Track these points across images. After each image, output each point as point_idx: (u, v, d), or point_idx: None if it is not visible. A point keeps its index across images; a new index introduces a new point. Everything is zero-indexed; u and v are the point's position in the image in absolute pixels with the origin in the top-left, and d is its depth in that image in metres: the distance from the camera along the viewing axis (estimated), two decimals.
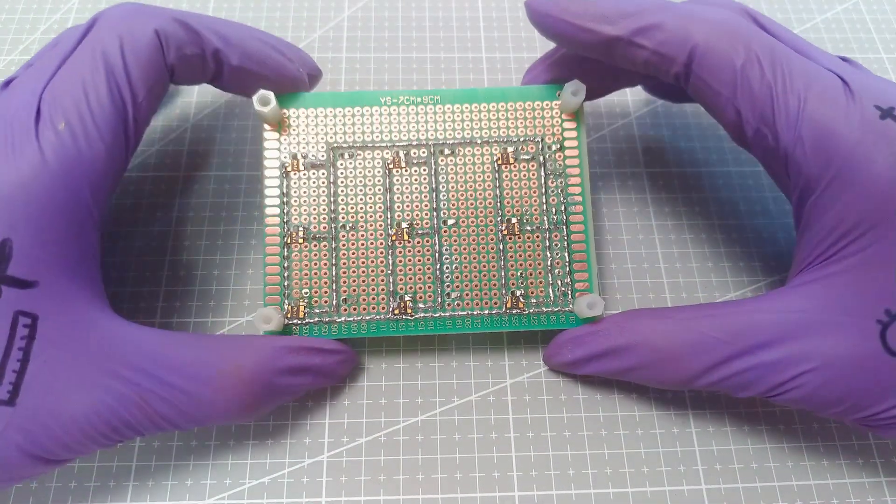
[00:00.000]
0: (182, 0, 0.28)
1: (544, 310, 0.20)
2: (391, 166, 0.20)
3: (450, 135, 0.21)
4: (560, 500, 0.19)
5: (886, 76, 0.27)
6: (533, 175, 0.20)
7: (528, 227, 0.20)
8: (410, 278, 0.20)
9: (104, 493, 0.19)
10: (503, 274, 0.20)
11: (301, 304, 0.19)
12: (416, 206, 0.20)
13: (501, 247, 0.20)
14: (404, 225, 0.20)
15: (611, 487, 0.19)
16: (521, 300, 0.20)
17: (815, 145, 0.16)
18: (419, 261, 0.20)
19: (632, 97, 0.26)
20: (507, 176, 0.20)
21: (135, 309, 0.21)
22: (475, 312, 0.20)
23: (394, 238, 0.20)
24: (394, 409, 0.20)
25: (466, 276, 0.20)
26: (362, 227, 0.20)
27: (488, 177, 0.20)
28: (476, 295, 0.20)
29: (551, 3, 0.18)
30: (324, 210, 0.20)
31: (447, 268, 0.20)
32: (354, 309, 0.20)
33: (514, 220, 0.20)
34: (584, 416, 0.20)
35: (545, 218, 0.20)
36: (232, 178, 0.24)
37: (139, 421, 0.16)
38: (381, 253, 0.20)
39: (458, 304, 0.20)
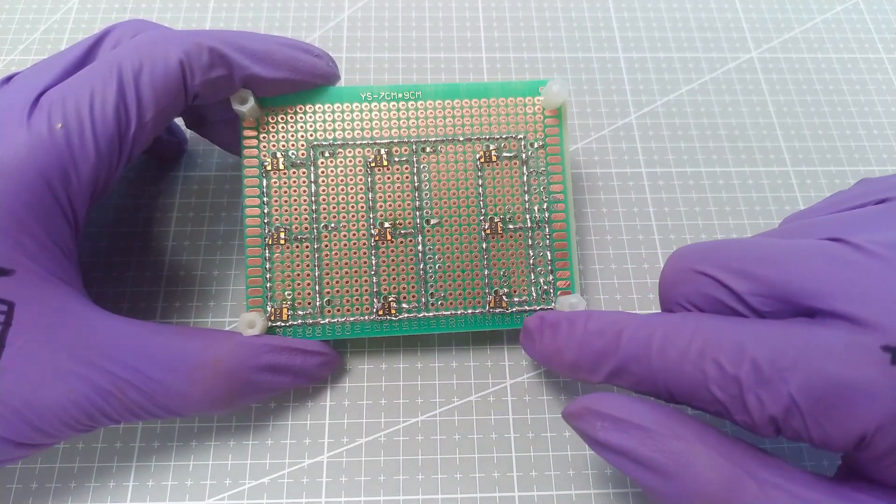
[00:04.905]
0: (182, 0, 0.28)
1: (527, 308, 0.20)
2: (373, 165, 0.20)
3: (432, 131, 0.20)
4: (560, 501, 0.19)
5: (886, 76, 0.27)
6: (515, 173, 0.20)
7: (511, 226, 0.20)
8: (394, 279, 0.20)
9: (104, 493, 0.19)
10: (486, 273, 0.20)
11: (284, 306, 0.19)
12: (399, 206, 0.20)
13: (484, 246, 0.20)
14: (387, 225, 0.20)
15: (611, 488, 0.19)
16: (505, 299, 0.20)
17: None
18: (402, 261, 0.20)
19: (632, 97, 0.26)
20: (489, 174, 0.20)
21: (135, 309, 0.21)
22: (459, 312, 0.20)
23: (377, 238, 0.20)
24: (394, 410, 0.20)
25: (450, 276, 0.20)
26: (345, 227, 0.20)
27: (471, 175, 0.20)
28: (460, 294, 0.20)
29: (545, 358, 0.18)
30: (305, 210, 0.20)
31: (430, 267, 0.20)
32: (338, 310, 0.20)
33: (496, 219, 0.20)
34: None
35: (527, 216, 0.20)
36: (232, 178, 0.24)
37: (115, 410, 0.16)
38: (365, 253, 0.20)
39: (442, 304, 0.20)
